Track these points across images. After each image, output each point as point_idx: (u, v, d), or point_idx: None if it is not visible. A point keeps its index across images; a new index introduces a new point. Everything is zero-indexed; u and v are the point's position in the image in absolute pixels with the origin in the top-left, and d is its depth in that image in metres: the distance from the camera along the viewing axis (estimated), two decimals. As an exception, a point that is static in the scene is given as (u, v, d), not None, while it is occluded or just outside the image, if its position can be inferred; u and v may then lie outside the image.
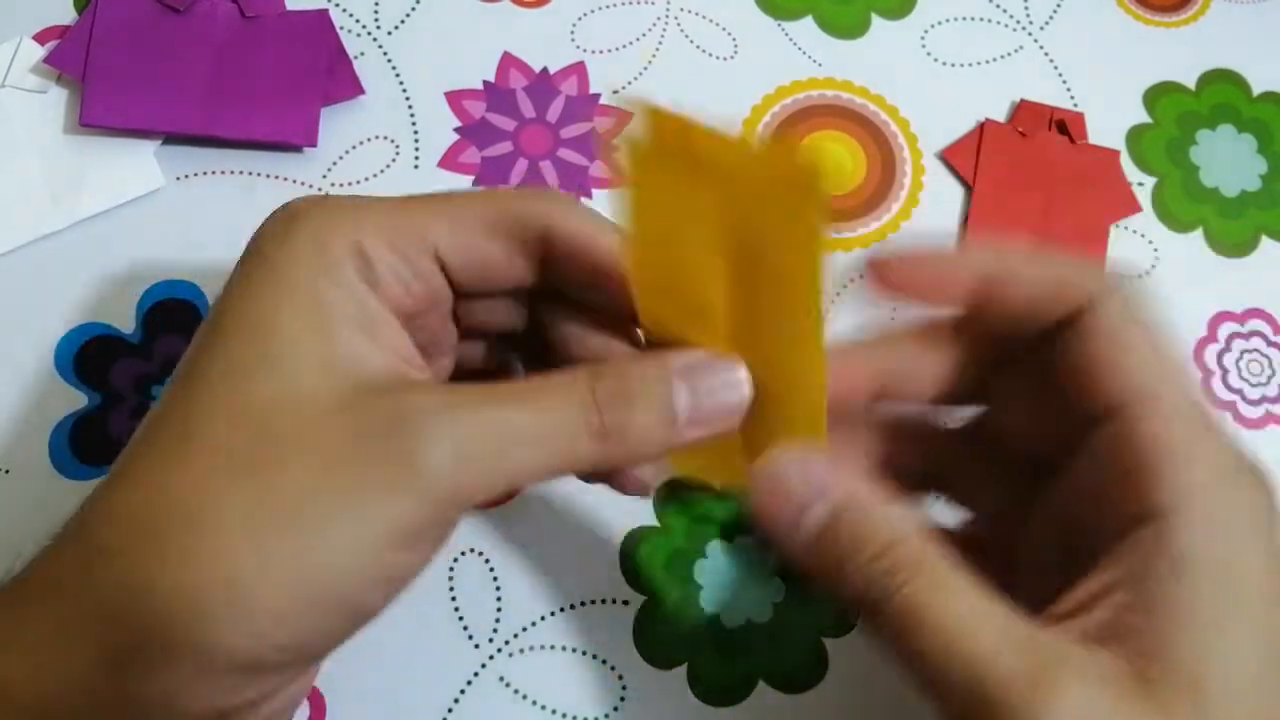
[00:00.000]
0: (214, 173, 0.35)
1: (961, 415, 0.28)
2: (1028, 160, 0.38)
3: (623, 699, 0.31)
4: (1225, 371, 0.37)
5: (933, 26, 0.41)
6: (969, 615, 0.21)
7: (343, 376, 0.21)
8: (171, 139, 0.35)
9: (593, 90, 0.38)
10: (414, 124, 0.37)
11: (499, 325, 0.27)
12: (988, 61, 0.40)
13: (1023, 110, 0.39)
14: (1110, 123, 0.40)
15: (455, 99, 0.37)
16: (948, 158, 0.39)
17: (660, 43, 0.39)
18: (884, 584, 0.22)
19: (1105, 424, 0.23)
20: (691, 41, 0.39)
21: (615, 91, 0.38)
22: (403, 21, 0.38)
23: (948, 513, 0.28)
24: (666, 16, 0.39)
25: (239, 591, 0.20)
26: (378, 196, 0.24)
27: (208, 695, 0.21)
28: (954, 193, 0.38)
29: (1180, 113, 0.40)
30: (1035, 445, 0.26)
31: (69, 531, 0.21)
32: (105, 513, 0.21)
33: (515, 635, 0.32)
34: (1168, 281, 0.38)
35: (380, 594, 0.22)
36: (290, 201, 0.23)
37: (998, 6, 0.41)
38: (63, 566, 0.21)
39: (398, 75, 0.38)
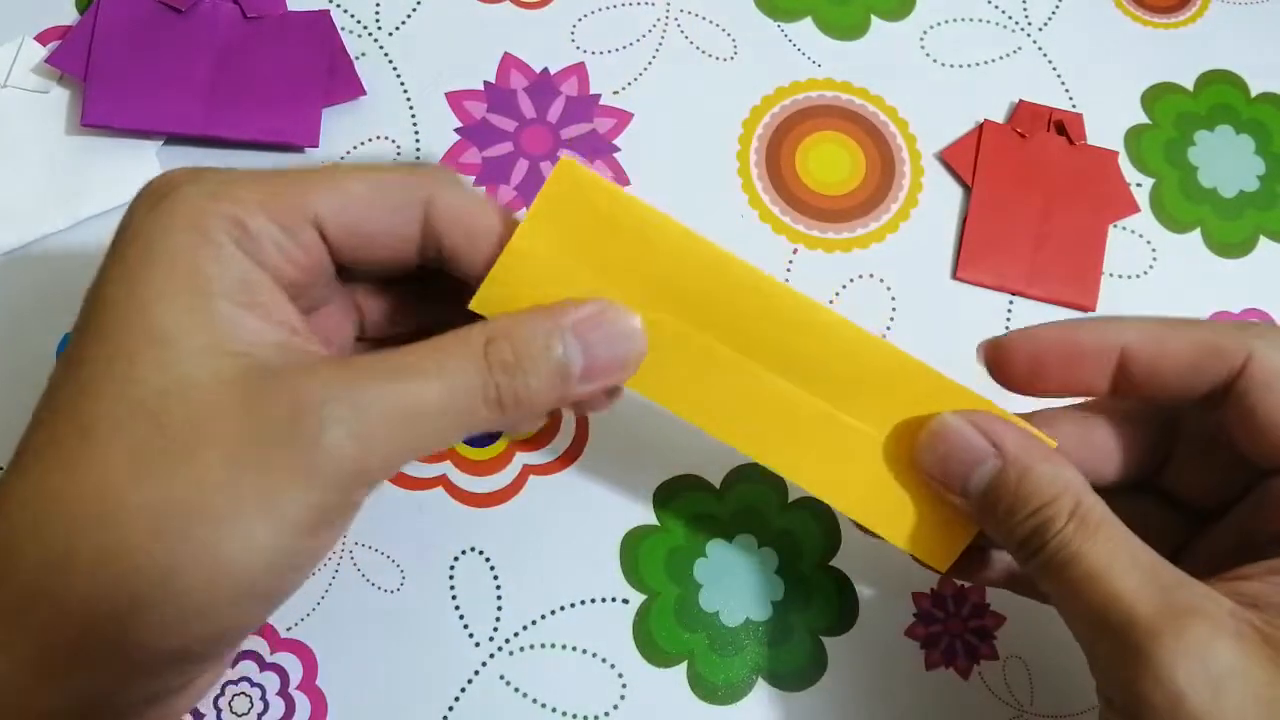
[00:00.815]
0: (215, 173, 0.36)
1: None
2: (1026, 161, 0.39)
3: (622, 697, 0.31)
4: (1223, 371, 0.37)
5: (932, 27, 0.41)
6: (1115, 557, 0.23)
7: (232, 357, 0.21)
8: (173, 139, 0.36)
9: (593, 90, 0.38)
10: (415, 124, 0.37)
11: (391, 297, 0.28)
12: (987, 62, 0.40)
13: (1021, 111, 0.39)
14: (1109, 123, 0.40)
15: (456, 99, 0.37)
16: (947, 158, 0.39)
17: (660, 43, 0.39)
18: (1043, 531, 0.23)
19: None
20: (691, 42, 0.39)
21: (615, 92, 0.38)
22: (403, 22, 0.38)
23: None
24: (666, 17, 0.40)
25: (158, 592, 0.20)
26: (256, 169, 0.23)
27: (135, 689, 0.21)
28: (953, 193, 0.38)
29: (1178, 113, 0.40)
30: (1196, 497, 0.28)
31: None
32: (12, 512, 0.21)
33: (515, 634, 0.32)
34: (1166, 282, 0.38)
35: (291, 579, 0.22)
36: (161, 174, 0.23)
37: (996, 8, 0.41)
38: None
39: (398, 75, 0.38)
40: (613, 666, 0.32)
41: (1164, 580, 0.22)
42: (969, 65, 0.40)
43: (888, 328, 0.36)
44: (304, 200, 0.23)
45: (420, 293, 0.28)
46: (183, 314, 0.21)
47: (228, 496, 0.20)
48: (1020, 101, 0.39)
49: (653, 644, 0.32)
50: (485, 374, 0.23)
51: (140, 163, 0.35)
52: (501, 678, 0.31)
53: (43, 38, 0.36)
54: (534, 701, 0.31)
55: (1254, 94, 0.41)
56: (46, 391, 0.22)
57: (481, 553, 0.32)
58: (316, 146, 0.36)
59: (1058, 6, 0.42)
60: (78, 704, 0.21)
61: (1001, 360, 0.26)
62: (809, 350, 0.26)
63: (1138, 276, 0.38)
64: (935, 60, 0.40)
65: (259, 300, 0.22)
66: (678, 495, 0.34)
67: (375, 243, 0.24)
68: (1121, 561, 0.23)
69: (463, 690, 0.31)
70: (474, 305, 0.25)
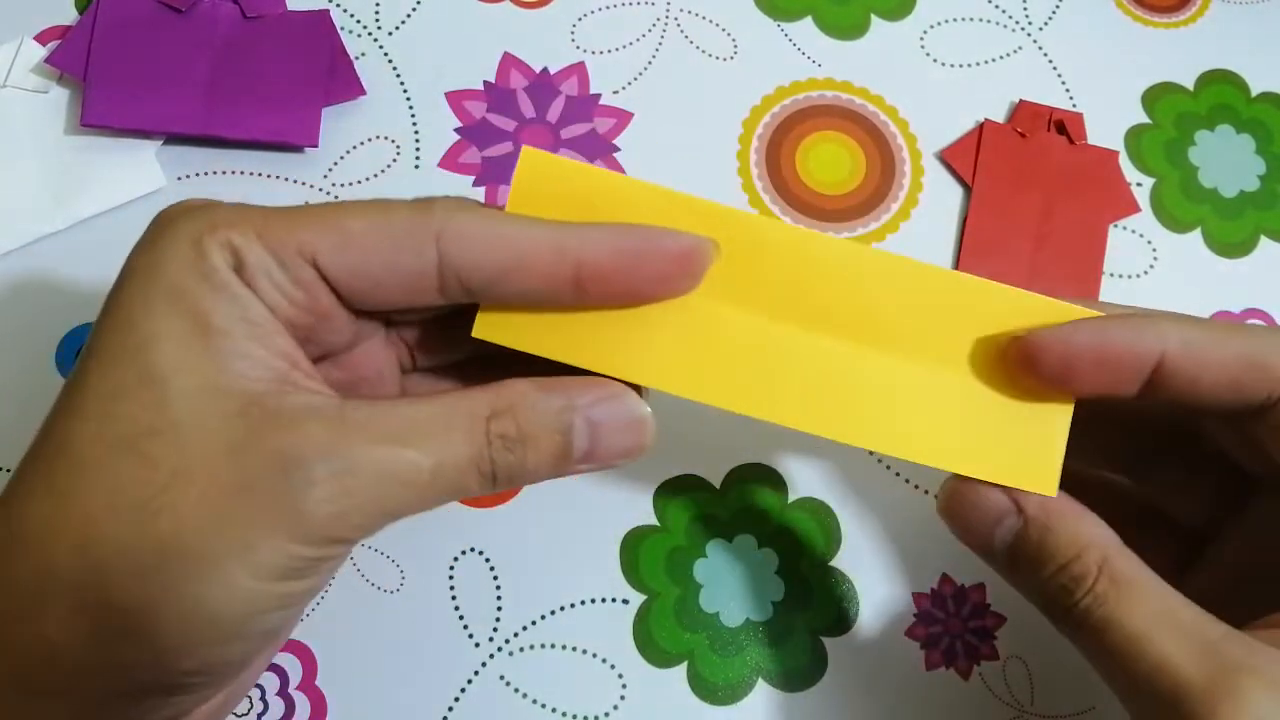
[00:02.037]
0: (215, 173, 0.36)
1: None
2: (1027, 160, 0.39)
3: (622, 697, 0.31)
4: (1223, 371, 0.37)
5: (932, 27, 0.41)
6: (1153, 618, 0.22)
7: (225, 397, 0.21)
8: (173, 139, 0.36)
9: (593, 90, 0.38)
10: (415, 124, 0.37)
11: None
12: (987, 62, 0.40)
13: (1022, 110, 0.39)
14: (1109, 123, 0.40)
15: (456, 99, 0.37)
16: (947, 158, 0.39)
17: (660, 43, 0.39)
18: (1071, 591, 0.23)
19: None
20: (691, 42, 0.39)
21: (615, 91, 0.38)
22: (403, 21, 0.38)
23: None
24: (666, 16, 0.40)
25: (133, 626, 0.20)
26: (265, 207, 0.23)
27: (115, 715, 0.21)
28: (953, 193, 0.38)
29: (1179, 113, 0.40)
30: (1186, 509, 0.27)
31: None
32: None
33: (515, 634, 0.32)
34: (1166, 282, 0.38)
35: (279, 617, 0.22)
36: (166, 207, 0.23)
37: (997, 7, 0.41)
38: None
39: (398, 75, 0.38)
40: (613, 667, 0.32)
41: (1208, 638, 0.21)
42: (969, 65, 0.40)
43: (888, 328, 0.36)
44: (299, 236, 0.22)
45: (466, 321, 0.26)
46: (178, 350, 0.21)
47: (206, 542, 0.20)
48: (1020, 101, 0.39)
49: (653, 644, 0.32)
50: (483, 448, 0.22)
51: (140, 163, 0.35)
52: (501, 678, 0.31)
53: (42, 38, 0.36)
54: (534, 702, 0.31)
55: (1254, 94, 0.41)
56: (49, 416, 0.22)
57: (481, 553, 0.32)
58: (316, 146, 0.36)
59: (1058, 6, 0.42)
60: None
61: (1031, 360, 0.24)
62: (833, 291, 0.24)
63: (1138, 276, 0.38)
64: (935, 60, 0.40)
65: (255, 330, 0.22)
66: (678, 495, 0.34)
67: (384, 284, 0.23)
68: (1163, 622, 0.22)
69: (463, 690, 0.31)
70: (477, 333, 0.24)
